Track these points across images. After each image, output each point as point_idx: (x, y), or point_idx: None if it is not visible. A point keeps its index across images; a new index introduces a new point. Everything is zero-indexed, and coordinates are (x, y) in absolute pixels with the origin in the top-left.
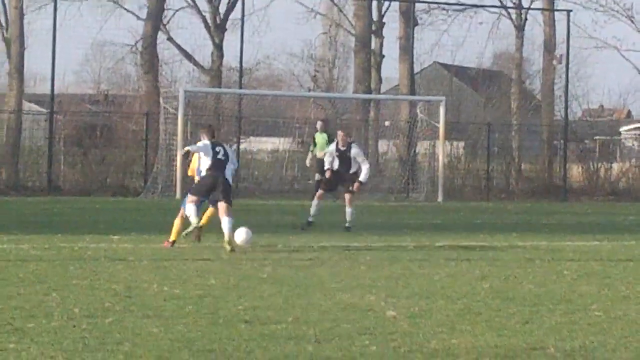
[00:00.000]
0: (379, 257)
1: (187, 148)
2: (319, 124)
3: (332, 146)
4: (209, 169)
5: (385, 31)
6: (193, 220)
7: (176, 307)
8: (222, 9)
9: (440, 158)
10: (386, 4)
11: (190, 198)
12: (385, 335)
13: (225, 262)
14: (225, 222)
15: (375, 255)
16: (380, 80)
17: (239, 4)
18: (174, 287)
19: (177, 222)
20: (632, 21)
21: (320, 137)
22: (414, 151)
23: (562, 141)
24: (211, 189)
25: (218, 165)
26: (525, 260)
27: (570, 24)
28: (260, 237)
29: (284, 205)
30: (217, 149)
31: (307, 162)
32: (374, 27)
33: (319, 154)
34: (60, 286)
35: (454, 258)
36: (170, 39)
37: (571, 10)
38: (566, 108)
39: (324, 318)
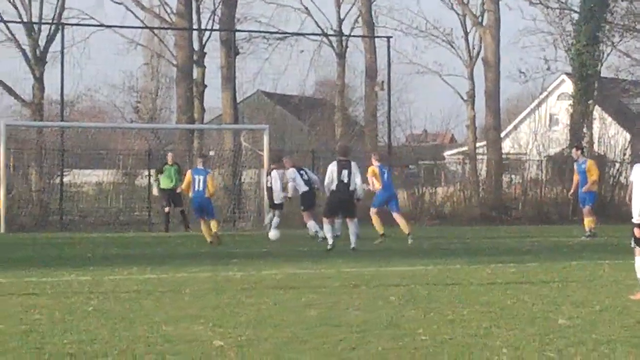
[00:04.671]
0: (205, 287)
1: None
2: (169, 156)
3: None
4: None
5: (206, 61)
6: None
7: (0, 343)
8: (42, 41)
9: (265, 186)
10: (207, 33)
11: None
12: None
13: (50, 297)
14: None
15: (201, 286)
16: (203, 109)
17: (58, 37)
18: None
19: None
20: (452, 46)
21: (172, 169)
22: (239, 180)
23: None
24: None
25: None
26: (352, 286)
27: (391, 50)
28: (85, 270)
29: (110, 237)
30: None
31: (155, 191)
32: (195, 57)
33: (166, 185)
34: None
35: (280, 286)
36: None
37: (391, 37)
38: (389, 134)
39: (150, 350)
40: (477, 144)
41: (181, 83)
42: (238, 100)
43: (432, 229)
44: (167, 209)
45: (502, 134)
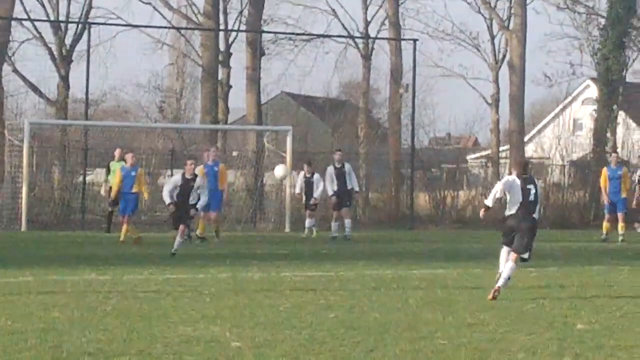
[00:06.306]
0: (224, 287)
1: None
2: (117, 152)
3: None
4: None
5: (232, 61)
6: None
7: (19, 341)
8: (68, 40)
9: (287, 188)
10: (233, 34)
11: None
12: None
13: (70, 295)
14: None
15: (220, 286)
16: (227, 110)
17: (85, 36)
18: (16, 321)
19: None
20: (477, 50)
21: (117, 165)
22: (262, 181)
23: (409, 169)
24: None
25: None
26: (371, 289)
27: (417, 52)
28: (105, 269)
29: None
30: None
31: (102, 192)
32: (221, 58)
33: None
34: None
35: (299, 288)
36: (15, 70)
37: (417, 40)
38: (413, 136)
39: (167, 350)
40: (501, 148)
41: (206, 83)
42: (262, 101)
43: (453, 233)
44: (110, 209)
45: (526, 138)
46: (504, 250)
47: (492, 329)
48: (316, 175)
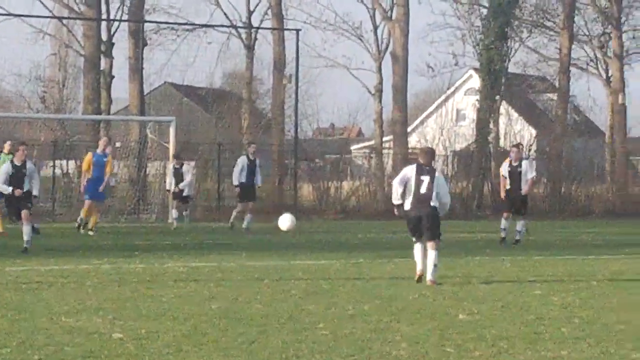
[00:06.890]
0: (106, 279)
1: None
2: (7, 144)
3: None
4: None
5: (115, 51)
6: None
7: None
8: None
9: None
10: (115, 24)
11: None
12: (111, 358)
13: None
14: None
15: (102, 278)
16: (110, 100)
17: None
18: None
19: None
20: (360, 40)
21: (7, 158)
22: (145, 172)
23: (292, 160)
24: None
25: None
26: (254, 280)
27: (300, 43)
28: None
29: (12, 228)
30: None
31: None
32: (103, 48)
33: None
34: None
35: (182, 279)
36: None
37: (300, 30)
38: (296, 127)
39: (49, 342)
40: (384, 139)
41: (88, 73)
42: (145, 91)
43: (337, 223)
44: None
45: (409, 129)
46: (417, 247)
47: (375, 320)
48: (185, 167)
